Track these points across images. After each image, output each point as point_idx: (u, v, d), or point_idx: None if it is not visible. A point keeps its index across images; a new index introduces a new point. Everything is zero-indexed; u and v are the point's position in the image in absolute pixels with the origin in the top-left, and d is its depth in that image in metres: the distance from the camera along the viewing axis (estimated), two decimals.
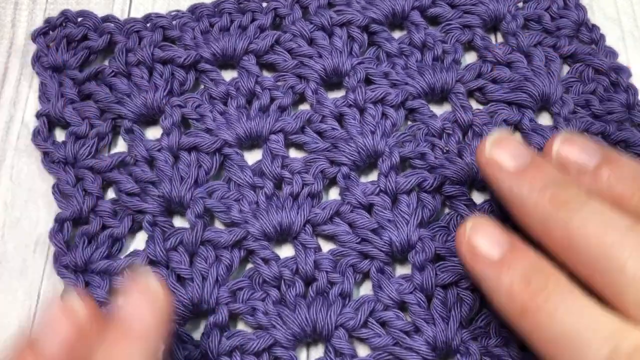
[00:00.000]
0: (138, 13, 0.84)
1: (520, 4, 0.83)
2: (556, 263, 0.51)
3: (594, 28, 0.81)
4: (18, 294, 0.70)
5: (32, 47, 0.81)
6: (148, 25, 0.81)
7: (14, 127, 0.78)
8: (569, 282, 0.50)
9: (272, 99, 0.76)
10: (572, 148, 0.57)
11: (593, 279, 0.49)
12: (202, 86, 0.79)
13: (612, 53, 0.79)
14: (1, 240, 0.73)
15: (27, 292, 0.70)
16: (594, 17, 0.84)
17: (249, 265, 0.70)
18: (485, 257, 0.53)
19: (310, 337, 0.65)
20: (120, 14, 0.84)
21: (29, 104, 0.79)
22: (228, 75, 0.80)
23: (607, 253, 0.48)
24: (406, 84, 0.76)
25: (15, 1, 0.86)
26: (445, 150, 0.74)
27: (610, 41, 0.82)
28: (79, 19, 0.81)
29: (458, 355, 0.64)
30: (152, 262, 0.69)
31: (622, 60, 0.81)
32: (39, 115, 0.76)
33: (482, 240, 0.54)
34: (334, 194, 0.74)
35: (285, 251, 0.71)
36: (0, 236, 0.73)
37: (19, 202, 0.74)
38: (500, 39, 0.82)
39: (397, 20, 0.82)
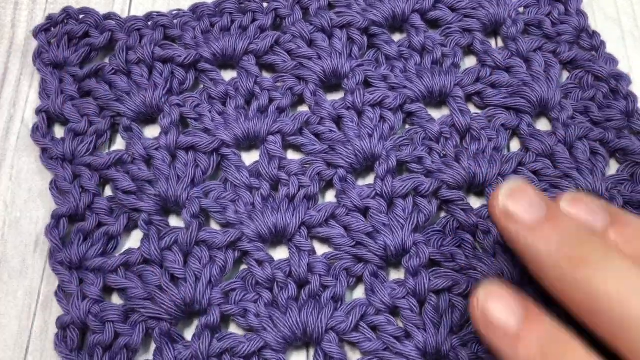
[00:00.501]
0: (138, 12, 0.84)
1: (521, 9, 0.83)
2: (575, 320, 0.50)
3: (594, 34, 0.80)
4: (18, 294, 0.71)
5: (32, 47, 0.81)
6: (149, 23, 0.81)
7: (14, 127, 0.78)
8: (587, 350, 0.48)
9: (271, 100, 0.77)
10: (579, 209, 0.55)
11: (615, 342, 0.47)
12: (201, 86, 0.79)
13: (612, 60, 0.79)
14: (1, 240, 0.73)
15: (27, 292, 0.71)
16: (594, 17, 0.84)
17: (243, 267, 0.70)
18: (500, 328, 0.51)
19: (300, 340, 0.66)
20: (120, 13, 0.84)
21: (29, 104, 0.80)
22: (228, 75, 0.80)
23: (632, 316, 0.46)
24: (405, 87, 0.76)
25: (15, 1, 0.86)
26: (442, 155, 0.73)
27: (610, 41, 0.82)
28: (81, 16, 0.81)
29: None
30: (147, 261, 0.69)
31: (622, 59, 0.81)
32: (38, 111, 0.76)
33: (496, 309, 0.52)
34: (330, 196, 0.74)
35: (280, 253, 0.71)
36: (0, 236, 0.73)
37: (19, 202, 0.75)
38: (500, 43, 0.82)
39: (397, 23, 0.81)
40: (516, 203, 0.54)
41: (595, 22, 0.84)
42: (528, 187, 0.55)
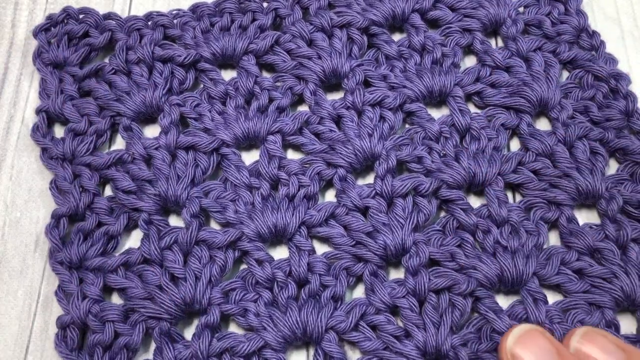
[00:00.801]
0: (138, 12, 0.84)
1: (521, 9, 0.83)
2: None
3: (594, 34, 0.80)
4: (18, 294, 0.71)
5: (33, 47, 0.82)
6: (149, 23, 0.81)
7: (14, 127, 0.78)
8: None
9: (271, 100, 0.77)
10: (593, 347, 0.55)
11: None
12: (201, 85, 0.79)
13: (612, 60, 0.79)
14: (1, 240, 0.73)
15: (27, 292, 0.71)
16: (594, 17, 0.84)
17: (243, 266, 0.70)
18: None
19: (300, 339, 0.66)
20: (121, 13, 0.85)
21: (29, 104, 0.80)
22: (227, 75, 0.80)
23: None
24: (404, 87, 0.76)
25: (15, 1, 0.87)
26: (442, 154, 0.73)
27: (610, 41, 0.82)
28: (81, 16, 0.81)
29: None
30: (147, 261, 0.69)
31: (622, 59, 0.81)
32: (38, 111, 0.76)
33: (526, 354, 0.52)
34: (330, 196, 0.74)
35: (280, 253, 0.71)
36: (0, 236, 0.73)
37: (19, 202, 0.75)
38: (500, 43, 0.82)
39: (397, 23, 0.81)
40: (525, 348, 0.55)
41: (595, 22, 0.84)
42: (537, 331, 0.56)
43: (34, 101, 0.79)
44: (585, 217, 0.73)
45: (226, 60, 0.80)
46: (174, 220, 0.73)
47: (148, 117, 0.78)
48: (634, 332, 0.66)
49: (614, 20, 0.84)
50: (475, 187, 0.73)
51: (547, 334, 0.53)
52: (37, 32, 0.80)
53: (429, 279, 0.67)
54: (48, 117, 0.77)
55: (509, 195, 0.73)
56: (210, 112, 0.76)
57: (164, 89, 0.77)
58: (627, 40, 0.83)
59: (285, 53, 0.79)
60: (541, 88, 0.76)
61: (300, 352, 0.68)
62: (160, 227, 0.70)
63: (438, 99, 0.77)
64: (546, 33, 0.81)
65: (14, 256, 0.72)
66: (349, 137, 0.73)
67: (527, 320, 0.65)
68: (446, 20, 0.81)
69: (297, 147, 0.76)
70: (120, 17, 0.81)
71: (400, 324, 0.66)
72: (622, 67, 0.80)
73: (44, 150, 0.75)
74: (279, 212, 0.70)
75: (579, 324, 0.65)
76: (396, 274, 0.70)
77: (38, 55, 0.79)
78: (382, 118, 0.75)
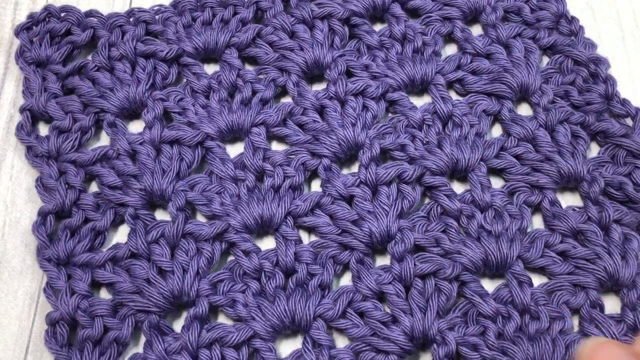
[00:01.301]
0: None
1: None
2: None
3: (573, 20, 0.81)
4: (18, 294, 0.71)
5: None
6: (131, 19, 0.81)
7: (14, 127, 0.77)
8: None
9: (254, 92, 0.77)
10: None
11: None
12: (184, 80, 0.79)
13: (591, 45, 0.80)
14: (1, 240, 0.73)
15: (27, 292, 0.71)
16: (594, 17, 0.85)
17: (230, 258, 0.70)
18: None
19: (289, 328, 0.66)
20: (122, 9, 0.84)
21: None
22: (210, 69, 0.81)
23: None
24: (386, 76, 0.77)
25: (15, 1, 0.86)
26: (425, 142, 0.74)
27: (610, 41, 0.83)
28: (62, 14, 0.81)
29: (434, 345, 0.64)
30: (134, 255, 0.69)
31: (622, 59, 0.82)
32: (22, 110, 0.76)
33: None
34: (315, 186, 0.75)
35: (267, 243, 0.72)
36: (0, 236, 0.73)
37: (19, 202, 0.75)
38: (480, 30, 0.83)
39: (377, 13, 0.82)
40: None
41: (595, 22, 0.84)
42: (612, 345, 0.56)
43: None
44: (568, 200, 0.74)
45: (209, 54, 0.80)
46: (160, 214, 0.73)
47: (132, 112, 0.78)
48: (619, 312, 0.67)
49: (614, 20, 0.85)
50: (459, 173, 0.73)
51: (620, 343, 0.54)
52: (19, 31, 0.80)
53: (415, 265, 0.67)
54: (32, 116, 0.77)
55: (492, 180, 0.74)
56: (193, 106, 0.76)
57: (147, 84, 0.77)
58: (627, 40, 0.84)
59: (267, 45, 0.79)
60: (522, 74, 0.76)
61: (289, 341, 0.68)
62: (146, 222, 0.71)
63: (420, 87, 0.78)
64: (525, 19, 0.81)
65: (14, 256, 0.72)
66: (332, 127, 0.74)
67: (512, 302, 0.66)
68: (426, 9, 0.81)
69: (281, 139, 0.76)
70: (102, 14, 0.81)
71: (388, 310, 0.67)
72: (623, 67, 0.81)
73: (29, 148, 0.75)
74: (265, 203, 0.70)
75: (564, 306, 0.66)
76: (382, 261, 0.71)
77: (20, 54, 0.79)
78: (365, 107, 0.76)
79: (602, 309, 0.67)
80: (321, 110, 0.76)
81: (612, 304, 0.68)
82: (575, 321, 0.67)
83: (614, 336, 0.65)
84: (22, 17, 0.84)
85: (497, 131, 0.77)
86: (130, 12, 0.82)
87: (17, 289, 0.71)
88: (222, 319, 0.68)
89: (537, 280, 0.69)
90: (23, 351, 0.68)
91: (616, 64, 0.80)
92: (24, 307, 0.70)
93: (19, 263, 0.72)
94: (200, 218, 0.72)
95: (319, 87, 0.79)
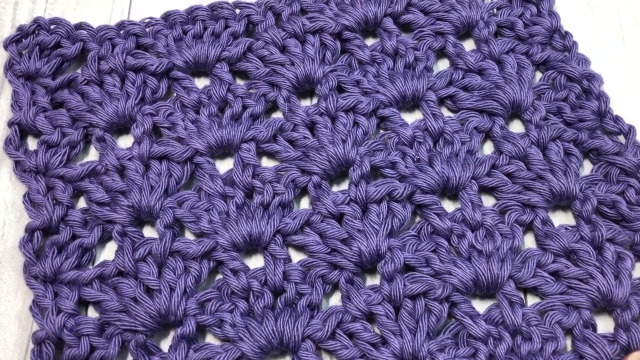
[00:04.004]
0: (136, 16, 0.84)
1: (494, 11, 0.83)
2: None
3: (567, 35, 0.80)
4: (18, 294, 0.70)
5: None
6: (121, 32, 0.81)
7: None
8: None
9: (244, 107, 0.76)
10: None
11: None
12: (174, 94, 0.79)
13: (585, 60, 0.79)
14: (1, 240, 0.73)
15: (27, 292, 0.70)
16: (594, 17, 0.84)
17: (218, 276, 0.70)
18: None
19: (277, 349, 0.65)
20: (120, 14, 0.85)
21: None
22: (201, 83, 0.80)
23: None
24: (377, 92, 0.76)
25: (15, 1, 0.86)
26: (416, 159, 0.73)
27: (610, 41, 0.82)
28: (52, 26, 0.81)
29: None
30: (121, 273, 0.69)
31: (622, 59, 0.81)
32: (10, 124, 0.76)
33: None
34: (305, 203, 0.74)
35: (255, 262, 0.71)
36: (0, 236, 0.73)
37: (19, 202, 0.74)
38: (473, 45, 0.82)
39: (369, 27, 0.81)
40: None
41: (595, 22, 0.84)
42: None
43: None
44: (560, 219, 0.73)
45: (199, 68, 0.79)
46: (149, 231, 0.72)
47: (121, 127, 0.77)
48: (612, 331, 0.67)
49: (614, 20, 0.84)
50: (450, 191, 0.73)
51: None
52: (8, 44, 0.80)
53: (404, 285, 0.66)
54: (20, 130, 0.76)
55: (484, 198, 0.73)
56: (183, 120, 0.76)
57: (136, 98, 0.76)
58: (627, 40, 0.83)
59: (258, 60, 0.79)
60: (514, 90, 0.76)
61: None
62: (134, 239, 0.70)
63: (411, 103, 0.77)
64: (519, 34, 0.81)
65: (13, 256, 0.72)
66: (322, 143, 0.73)
67: (503, 323, 0.65)
68: (419, 23, 0.81)
69: (271, 155, 0.75)
70: (92, 27, 0.81)
71: (377, 331, 0.66)
72: (623, 67, 0.81)
73: (17, 163, 0.74)
74: (254, 221, 0.70)
75: (556, 326, 0.65)
76: (372, 281, 0.70)
77: (9, 67, 0.79)
78: (356, 124, 0.75)
79: (594, 328, 0.66)
80: (312, 126, 0.75)
81: (605, 324, 0.68)
82: (568, 341, 0.66)
83: (607, 357, 0.64)
84: (22, 17, 0.84)
85: (488, 148, 0.76)
86: (121, 25, 0.81)
87: (17, 289, 0.71)
88: (209, 339, 0.68)
89: (530, 300, 0.68)
90: (23, 351, 0.68)
91: (616, 64, 0.80)
92: (24, 307, 0.70)
93: (19, 263, 0.71)
94: (188, 235, 0.72)
95: (310, 102, 0.78)
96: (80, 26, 0.81)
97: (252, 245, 0.70)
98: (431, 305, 0.66)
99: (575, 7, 0.84)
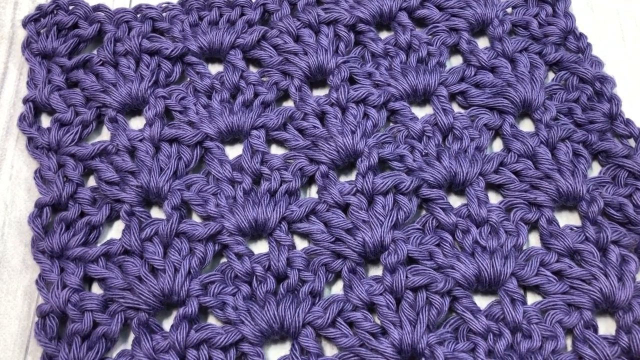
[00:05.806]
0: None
1: (509, 10, 0.83)
2: None
3: (581, 36, 0.80)
4: (18, 294, 0.71)
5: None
6: (138, 15, 0.82)
7: (13, 127, 0.78)
8: None
9: (256, 95, 0.77)
10: None
11: None
12: (187, 78, 0.79)
13: (598, 62, 0.79)
14: (1, 240, 0.73)
15: (27, 292, 0.71)
16: (594, 17, 0.84)
17: (222, 260, 0.70)
18: None
19: (277, 334, 0.66)
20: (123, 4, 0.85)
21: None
22: (214, 69, 0.81)
23: None
24: (389, 84, 0.76)
25: (15, 1, 0.87)
26: (424, 153, 0.74)
27: (610, 41, 0.82)
28: (70, 7, 0.82)
29: (423, 359, 0.64)
30: (127, 252, 0.69)
31: (622, 59, 0.81)
32: (25, 101, 0.77)
33: None
34: (312, 192, 0.74)
35: (260, 247, 0.71)
36: (0, 236, 0.73)
37: (19, 202, 0.75)
38: (486, 43, 0.82)
39: (384, 21, 0.82)
40: None
41: (596, 22, 0.84)
42: None
43: None
44: (566, 219, 0.73)
45: (213, 54, 0.80)
46: (156, 212, 0.73)
47: (134, 109, 0.78)
48: (613, 333, 0.67)
49: (614, 20, 0.84)
50: (456, 186, 0.73)
51: None
52: (27, 22, 0.80)
53: (407, 277, 0.67)
54: (35, 107, 0.77)
55: (490, 195, 0.73)
56: (195, 105, 0.76)
57: (150, 81, 0.77)
58: (627, 40, 0.83)
59: (271, 48, 0.79)
60: (525, 89, 0.76)
61: (278, 347, 0.68)
62: (141, 219, 0.71)
63: (422, 97, 0.78)
64: (533, 34, 0.81)
65: (13, 256, 0.72)
66: (332, 133, 0.74)
67: (504, 320, 0.65)
68: (433, 19, 0.81)
69: (280, 143, 0.76)
70: (110, 9, 0.82)
71: (378, 321, 0.66)
72: (623, 67, 0.81)
73: (29, 139, 0.75)
74: (260, 207, 0.70)
75: (557, 325, 0.65)
76: (375, 272, 0.70)
77: (27, 46, 0.80)
78: (366, 115, 0.75)
79: (595, 329, 0.66)
80: (322, 116, 0.76)
81: (607, 326, 0.68)
82: (568, 341, 0.66)
83: (607, 358, 0.64)
84: (22, 17, 0.84)
85: (497, 146, 0.76)
86: (138, 8, 0.82)
87: (17, 288, 0.71)
88: (211, 320, 0.68)
89: (531, 298, 0.68)
90: (23, 351, 0.68)
91: (616, 64, 0.80)
92: (24, 307, 0.70)
93: (19, 263, 0.72)
94: (195, 218, 0.72)
95: (321, 92, 0.79)
96: (98, 8, 0.82)
97: (258, 231, 0.70)
98: (432, 299, 0.66)
99: (575, 7, 0.84)
